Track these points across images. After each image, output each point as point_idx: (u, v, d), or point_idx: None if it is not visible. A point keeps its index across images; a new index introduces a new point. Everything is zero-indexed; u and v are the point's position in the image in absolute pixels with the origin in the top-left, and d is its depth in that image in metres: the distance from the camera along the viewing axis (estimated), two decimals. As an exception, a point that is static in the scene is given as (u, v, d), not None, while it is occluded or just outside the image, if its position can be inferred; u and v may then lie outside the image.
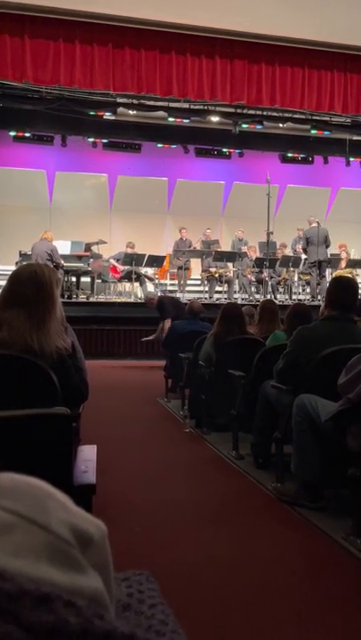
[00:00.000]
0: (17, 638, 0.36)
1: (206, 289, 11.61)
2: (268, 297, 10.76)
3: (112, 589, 0.55)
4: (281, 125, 12.32)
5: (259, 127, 12.02)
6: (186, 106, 11.11)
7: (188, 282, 12.27)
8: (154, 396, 6.20)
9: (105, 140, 12.61)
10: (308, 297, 11.94)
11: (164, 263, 11.68)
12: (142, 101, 10.94)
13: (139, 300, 10.93)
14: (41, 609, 0.38)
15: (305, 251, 11.54)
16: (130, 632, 0.40)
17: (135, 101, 10.97)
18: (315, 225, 11.18)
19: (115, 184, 13.91)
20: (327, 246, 11.31)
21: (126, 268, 10.95)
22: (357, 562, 2.36)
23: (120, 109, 11.38)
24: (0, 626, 0.36)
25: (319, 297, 10.55)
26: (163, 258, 11.40)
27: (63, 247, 10.56)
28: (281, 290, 12.33)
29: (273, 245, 11.96)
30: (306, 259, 12.04)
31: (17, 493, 0.49)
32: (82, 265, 10.62)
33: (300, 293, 12.48)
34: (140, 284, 11.30)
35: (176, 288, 11.99)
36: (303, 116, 11.61)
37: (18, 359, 2.01)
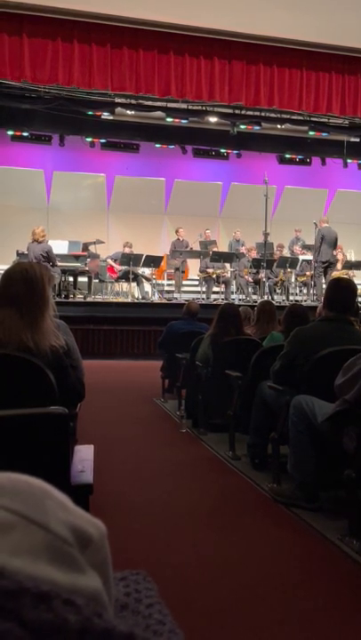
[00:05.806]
0: (16, 636, 0.36)
1: (204, 289, 11.61)
2: (266, 298, 10.77)
3: (111, 589, 0.55)
4: (279, 126, 12.33)
5: (257, 128, 12.01)
6: (184, 106, 11.11)
7: (186, 282, 12.26)
8: (151, 396, 6.20)
9: (103, 140, 12.62)
10: (306, 298, 11.95)
11: (162, 263, 11.68)
12: (140, 101, 10.93)
13: (136, 300, 10.93)
14: (40, 607, 0.38)
15: (318, 249, 11.45)
16: (128, 631, 0.40)
17: (133, 101, 10.96)
18: (327, 225, 11.20)
19: (112, 184, 13.90)
20: (334, 248, 11.35)
21: (124, 268, 10.94)
22: (353, 563, 2.36)
23: (118, 109, 11.38)
24: (0, 623, 0.36)
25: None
26: (160, 258, 11.40)
27: (61, 247, 10.54)
28: (278, 291, 12.35)
29: (270, 246, 11.96)
30: (304, 260, 12.05)
31: (16, 492, 0.49)
32: (79, 265, 10.59)
33: (297, 294, 12.48)
34: (138, 285, 11.30)
35: (173, 288, 11.99)
36: (301, 118, 11.62)
37: (14, 358, 2.01)
